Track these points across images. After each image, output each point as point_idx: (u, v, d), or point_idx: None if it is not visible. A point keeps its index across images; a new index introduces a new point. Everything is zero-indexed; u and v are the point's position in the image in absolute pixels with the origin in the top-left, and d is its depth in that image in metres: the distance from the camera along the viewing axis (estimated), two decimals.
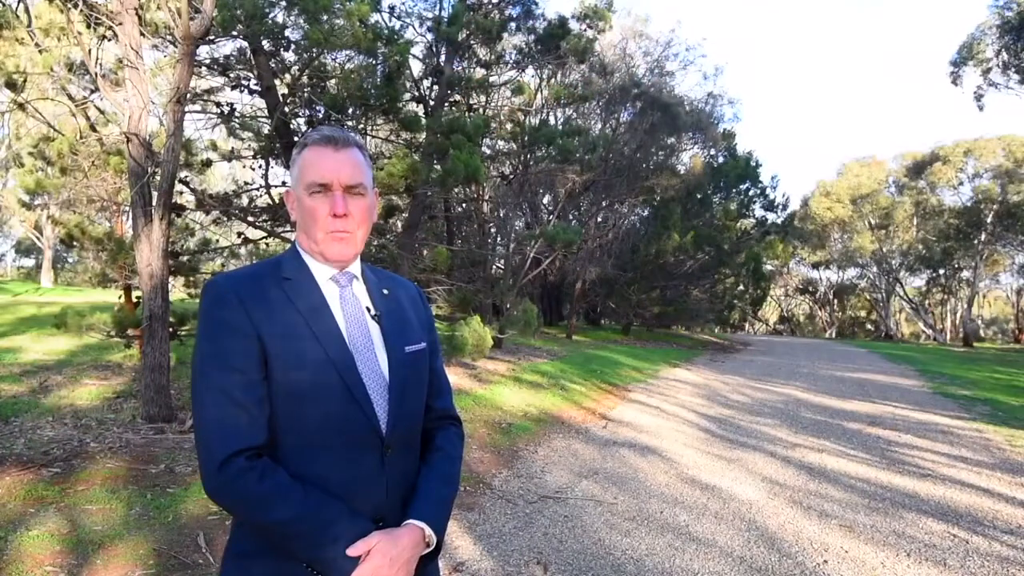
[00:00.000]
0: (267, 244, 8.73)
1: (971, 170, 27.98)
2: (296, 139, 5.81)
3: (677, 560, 3.35)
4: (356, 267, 1.27)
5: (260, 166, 8.12)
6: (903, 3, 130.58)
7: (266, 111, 7.89)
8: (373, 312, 1.25)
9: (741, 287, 21.90)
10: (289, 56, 7.77)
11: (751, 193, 20.70)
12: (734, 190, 20.22)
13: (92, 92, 6.69)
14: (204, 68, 7.60)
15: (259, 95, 7.79)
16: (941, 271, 30.65)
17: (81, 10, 5.33)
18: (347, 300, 1.22)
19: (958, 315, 32.18)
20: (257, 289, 1.16)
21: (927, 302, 33.74)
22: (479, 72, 10.53)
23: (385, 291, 1.30)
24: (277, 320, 1.13)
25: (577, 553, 3.39)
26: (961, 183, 28.46)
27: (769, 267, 26.81)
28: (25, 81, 6.15)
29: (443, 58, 9.61)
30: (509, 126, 11.29)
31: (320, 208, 1.18)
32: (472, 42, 9.66)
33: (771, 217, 21.60)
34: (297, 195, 1.22)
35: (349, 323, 1.20)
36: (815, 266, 35.72)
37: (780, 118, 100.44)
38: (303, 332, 1.14)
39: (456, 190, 10.64)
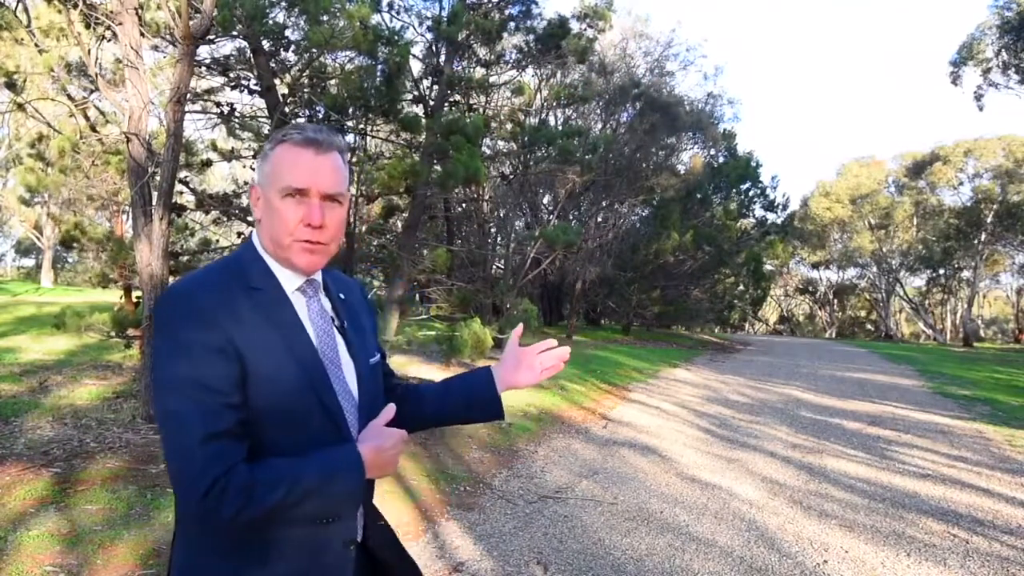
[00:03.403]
0: None
1: (971, 170, 28.01)
2: None
3: (677, 560, 3.35)
4: (319, 273, 1.20)
5: None
6: (903, 3, 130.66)
7: (266, 111, 7.88)
8: (337, 323, 1.20)
9: (741, 287, 21.91)
10: (289, 56, 7.76)
11: (751, 193, 20.71)
12: (734, 190, 20.22)
13: (92, 92, 6.69)
14: (204, 68, 7.59)
15: (259, 95, 7.78)
16: (941, 271, 30.64)
17: (81, 10, 5.33)
18: (315, 312, 1.17)
19: (958, 315, 32.18)
20: (229, 302, 1.06)
21: (927, 302, 33.74)
22: (479, 72, 10.53)
23: (342, 296, 1.25)
24: (253, 336, 1.05)
25: (577, 553, 3.39)
26: (961, 183, 28.50)
27: (769, 267, 26.79)
28: (25, 81, 6.16)
29: (443, 58, 9.60)
30: (509, 126, 11.28)
31: (292, 214, 1.09)
32: (472, 42, 9.65)
33: (771, 217, 21.64)
34: (266, 195, 1.12)
35: (319, 338, 1.15)
36: (815, 266, 35.74)
37: (780, 118, 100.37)
38: (281, 351, 1.07)
39: (456, 190, 10.64)
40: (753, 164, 20.14)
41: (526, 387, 1.38)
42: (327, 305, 1.21)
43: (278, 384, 1.06)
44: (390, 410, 1.16)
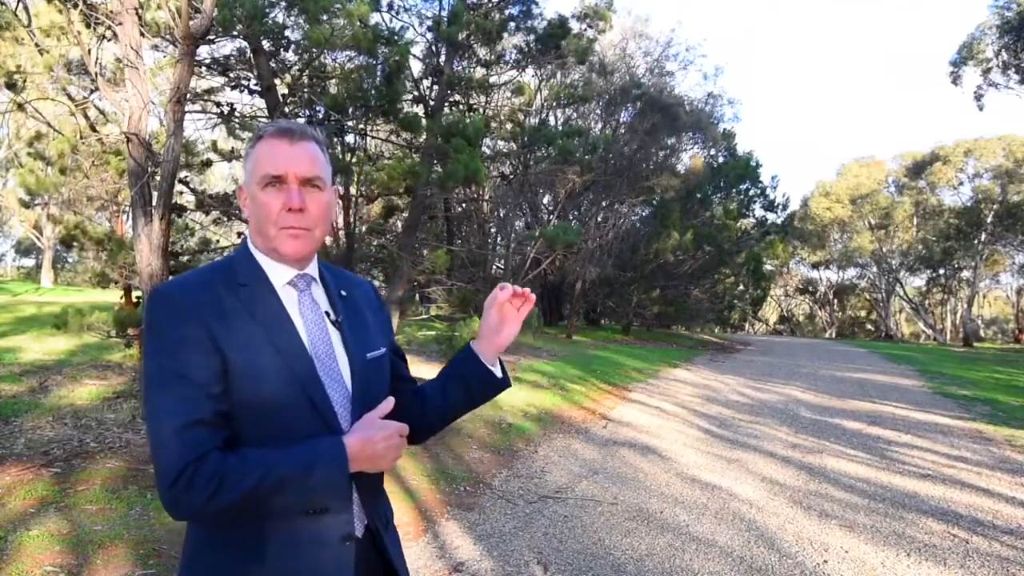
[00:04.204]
0: None
1: (971, 170, 28.02)
2: None
3: (677, 560, 3.35)
4: (314, 268, 1.21)
5: None
6: (903, 3, 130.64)
7: (266, 111, 7.89)
8: (333, 318, 1.19)
9: (741, 287, 21.93)
10: (289, 56, 7.77)
11: (751, 193, 20.73)
12: (734, 190, 20.24)
13: (92, 92, 6.69)
14: (204, 68, 7.60)
15: (259, 95, 7.78)
16: (941, 271, 30.66)
17: (81, 10, 5.33)
18: (306, 306, 1.16)
19: (958, 315, 32.18)
20: (212, 298, 1.08)
21: (927, 302, 33.75)
22: (479, 72, 10.53)
23: (343, 293, 1.25)
24: (236, 332, 1.07)
25: (577, 553, 3.39)
26: (961, 183, 28.52)
27: (769, 267, 26.81)
28: (25, 81, 6.16)
29: (443, 58, 9.60)
30: (509, 126, 11.29)
31: (273, 202, 1.12)
32: (472, 42, 9.65)
33: (771, 217, 21.67)
34: (250, 191, 1.15)
35: (310, 331, 1.14)
36: (815, 266, 35.75)
37: (780, 118, 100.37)
38: (263, 344, 1.08)
39: (456, 190, 10.65)
40: (753, 164, 20.15)
41: (513, 337, 1.33)
42: (321, 299, 1.20)
43: (261, 378, 1.07)
44: (388, 403, 1.14)
